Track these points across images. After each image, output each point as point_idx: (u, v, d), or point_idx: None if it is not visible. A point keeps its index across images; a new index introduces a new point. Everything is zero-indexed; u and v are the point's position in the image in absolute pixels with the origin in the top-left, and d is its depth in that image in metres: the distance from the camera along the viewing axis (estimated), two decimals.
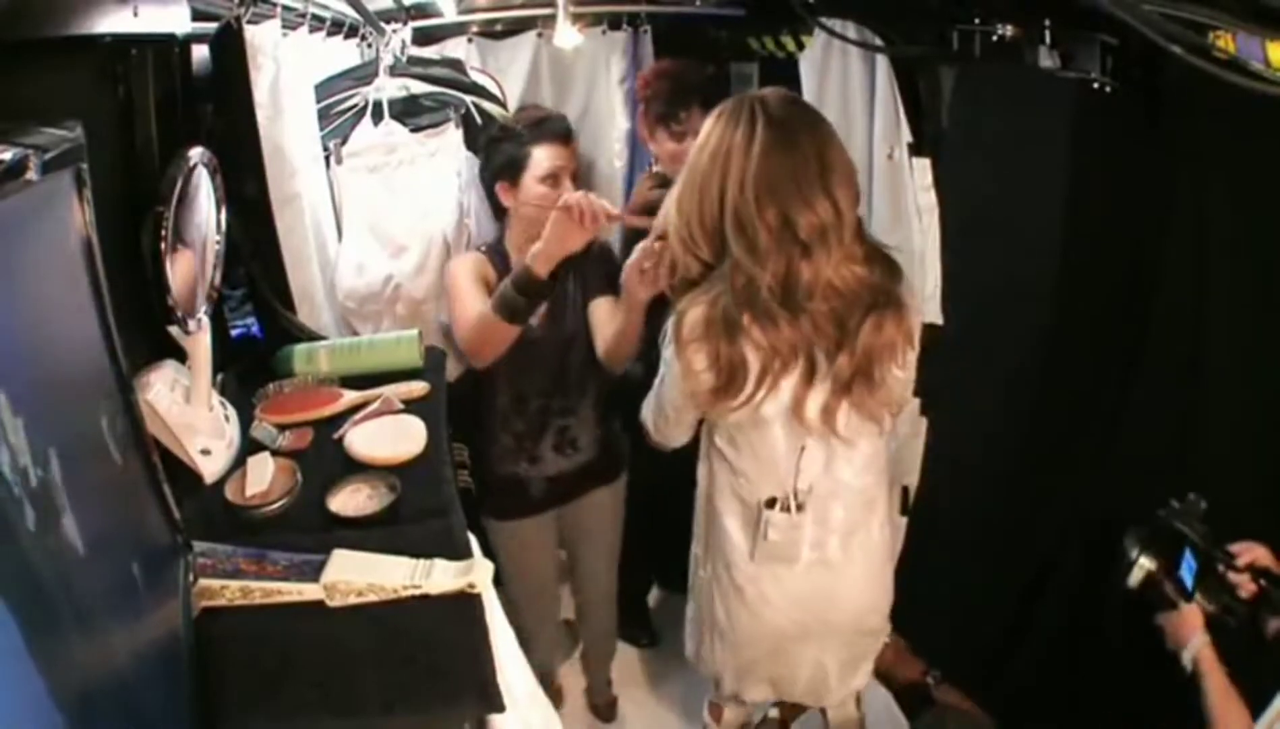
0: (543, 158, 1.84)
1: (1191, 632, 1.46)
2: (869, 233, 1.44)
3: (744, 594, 1.54)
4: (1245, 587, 1.44)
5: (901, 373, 1.45)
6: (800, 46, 2.78)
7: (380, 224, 1.99)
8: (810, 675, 1.62)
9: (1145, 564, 1.53)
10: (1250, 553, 1.45)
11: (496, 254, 1.89)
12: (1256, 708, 1.31)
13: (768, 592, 1.53)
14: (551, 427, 1.93)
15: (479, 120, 2.16)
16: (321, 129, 1.90)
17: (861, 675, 1.69)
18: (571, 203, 1.62)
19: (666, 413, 1.49)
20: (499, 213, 1.97)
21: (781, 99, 1.37)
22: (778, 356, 1.35)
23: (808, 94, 2.39)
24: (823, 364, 1.37)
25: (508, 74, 2.68)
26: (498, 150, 1.88)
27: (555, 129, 1.88)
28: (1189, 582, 1.48)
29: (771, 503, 1.47)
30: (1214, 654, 1.43)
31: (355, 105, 1.99)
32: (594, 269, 1.91)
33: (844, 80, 2.37)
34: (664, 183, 1.99)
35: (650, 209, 1.77)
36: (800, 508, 1.46)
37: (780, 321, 1.33)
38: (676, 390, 1.42)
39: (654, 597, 2.86)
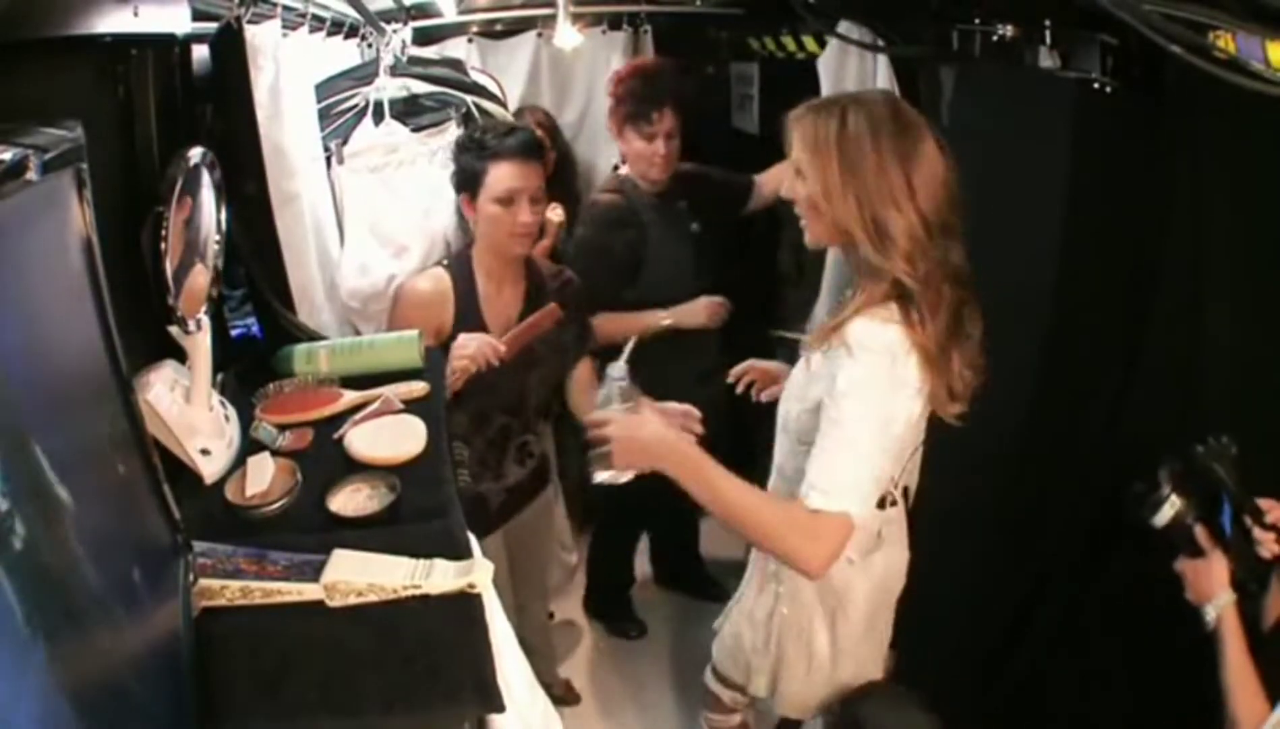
0: (499, 177, 1.78)
1: (1218, 586, 1.38)
2: None
3: (848, 606, 1.55)
4: (1270, 546, 1.36)
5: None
6: (800, 46, 2.78)
7: (381, 224, 1.99)
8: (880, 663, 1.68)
9: (1176, 503, 1.43)
10: (1277, 511, 1.37)
11: (460, 266, 1.88)
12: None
13: (856, 586, 1.55)
14: (513, 443, 1.96)
15: (479, 120, 2.16)
16: (322, 129, 1.90)
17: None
18: (458, 370, 1.66)
19: (885, 464, 1.31)
20: (464, 222, 1.97)
21: (887, 103, 1.33)
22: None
23: (825, 89, 2.39)
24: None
25: (507, 74, 2.69)
26: (460, 160, 1.84)
27: (515, 146, 1.79)
28: (1228, 528, 1.38)
29: (881, 503, 1.47)
30: (1237, 617, 1.35)
31: (356, 105, 1.99)
32: (556, 294, 1.93)
33: (860, 82, 2.36)
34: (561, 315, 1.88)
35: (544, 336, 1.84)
36: (905, 497, 1.55)
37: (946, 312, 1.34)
38: (906, 424, 1.32)
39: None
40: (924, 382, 1.29)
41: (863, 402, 1.26)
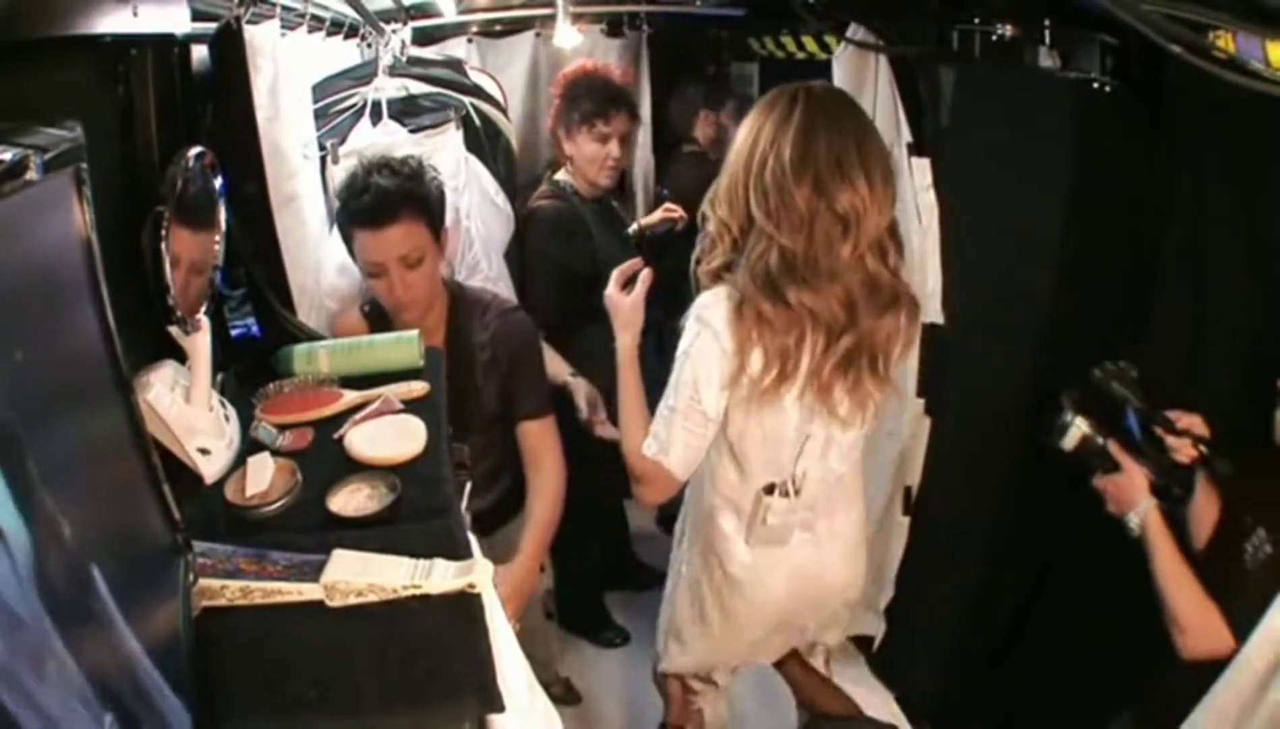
0: (359, 247, 1.63)
1: (1138, 494, 1.44)
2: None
3: (740, 586, 1.58)
4: (1185, 452, 1.43)
5: (895, 371, 1.50)
6: (800, 46, 2.79)
7: None
8: (783, 643, 1.72)
9: (1081, 425, 1.50)
10: (1188, 419, 1.44)
11: (376, 316, 1.75)
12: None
13: (764, 577, 1.57)
14: (471, 468, 1.81)
15: (477, 122, 2.16)
16: (319, 128, 1.90)
17: (832, 636, 1.79)
18: None
19: (691, 426, 1.42)
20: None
21: (826, 87, 1.44)
22: (793, 333, 1.36)
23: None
24: (823, 343, 1.39)
25: (506, 74, 2.69)
26: (339, 227, 1.69)
27: (362, 211, 1.58)
28: (1137, 433, 1.45)
29: (770, 489, 1.51)
30: (1161, 518, 1.41)
31: (354, 105, 1.99)
32: (483, 350, 1.78)
33: (874, 83, 2.35)
34: None
35: None
36: (798, 493, 1.51)
37: (799, 295, 1.33)
38: (713, 390, 1.39)
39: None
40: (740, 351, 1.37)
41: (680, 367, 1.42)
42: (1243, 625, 1.27)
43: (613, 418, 2.11)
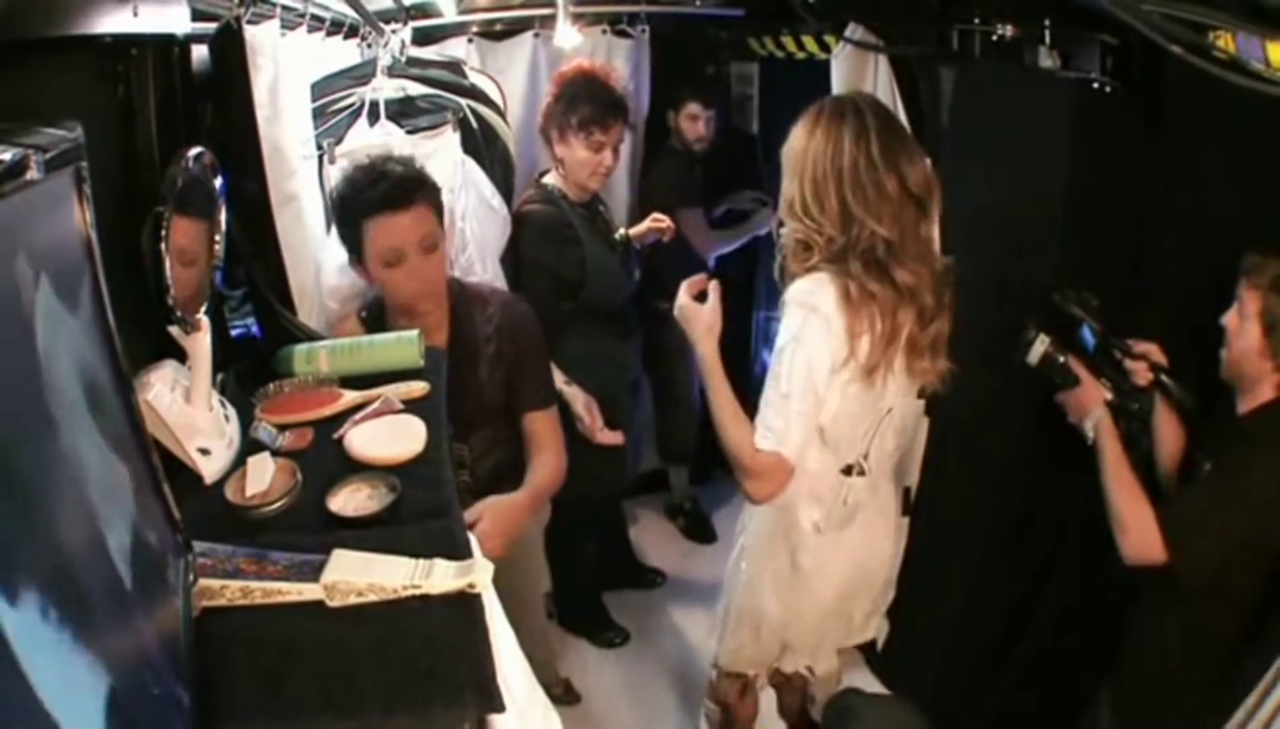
0: (375, 236, 1.60)
1: (1093, 403, 1.60)
2: None
3: (807, 576, 1.64)
4: (1141, 374, 1.59)
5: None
6: (800, 46, 2.78)
7: None
8: (835, 636, 1.78)
9: (1044, 340, 1.66)
10: (1144, 345, 1.60)
11: (374, 318, 1.75)
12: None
13: (829, 562, 1.64)
14: (474, 466, 1.84)
15: (475, 125, 2.15)
16: (317, 127, 1.89)
17: (873, 627, 1.84)
18: None
19: (806, 410, 1.46)
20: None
21: (866, 95, 1.63)
22: (897, 312, 1.46)
23: (837, 91, 2.37)
24: (917, 322, 1.49)
25: (506, 75, 2.68)
26: (337, 220, 1.68)
27: (377, 198, 1.58)
28: (1090, 345, 1.63)
29: (848, 470, 1.58)
30: (1112, 425, 1.57)
31: (351, 105, 1.99)
32: (487, 344, 1.79)
33: (874, 83, 2.35)
34: None
35: None
36: (868, 471, 1.60)
37: (903, 275, 1.45)
38: (824, 374, 1.46)
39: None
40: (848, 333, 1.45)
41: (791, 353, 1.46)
42: (1192, 524, 1.41)
43: (610, 423, 2.12)
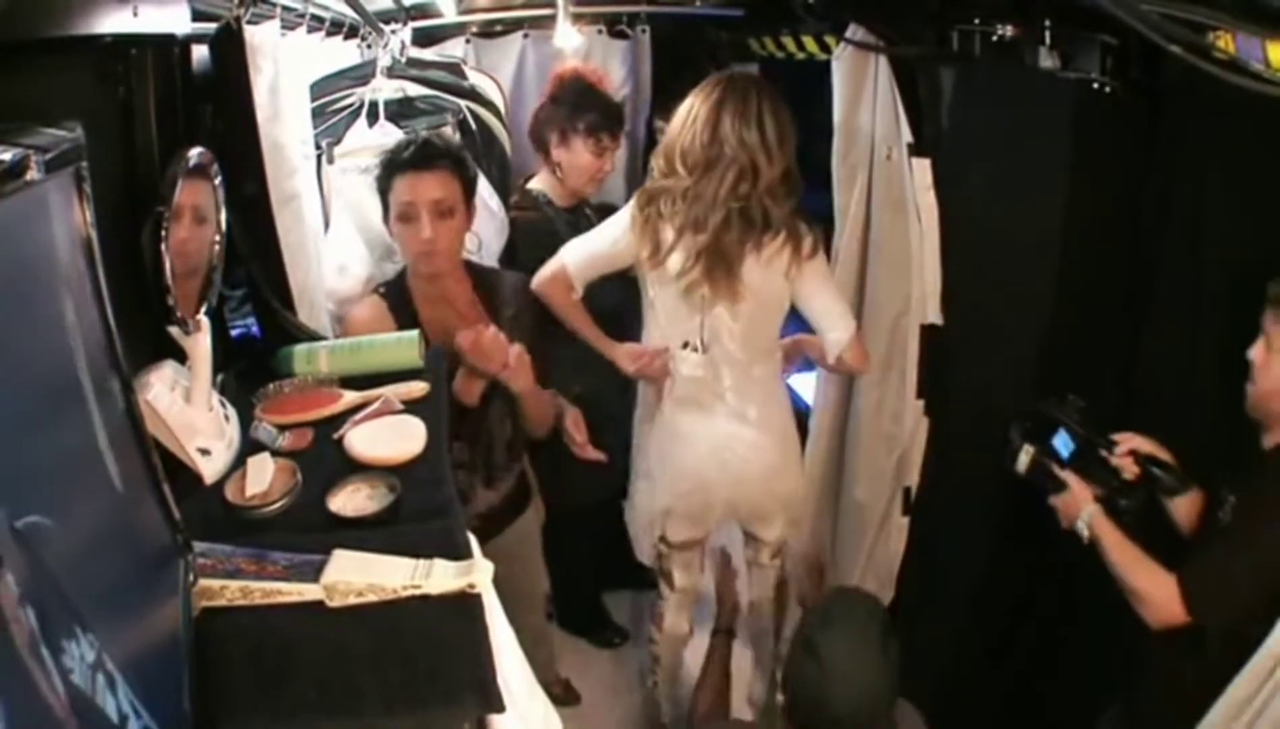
0: (397, 193, 1.72)
1: (1082, 503, 1.58)
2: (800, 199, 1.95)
3: (670, 431, 2.05)
4: (1129, 469, 1.57)
5: (784, 283, 1.95)
6: (800, 47, 2.78)
7: (370, 226, 1.98)
8: (722, 513, 2.13)
9: (1030, 450, 1.68)
10: (1130, 441, 1.59)
11: (396, 293, 1.81)
12: None
13: (686, 430, 2.03)
14: (479, 468, 1.89)
15: (473, 126, 2.15)
16: (315, 127, 1.89)
17: (772, 532, 2.15)
18: (466, 345, 1.64)
19: (581, 267, 1.99)
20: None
21: (746, 74, 2.00)
22: (683, 234, 1.90)
23: (838, 92, 2.37)
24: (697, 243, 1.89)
25: (498, 73, 2.68)
26: (380, 192, 1.77)
27: (409, 157, 1.71)
28: (1064, 453, 1.64)
29: (684, 346, 1.99)
30: (1105, 518, 1.54)
31: (350, 105, 1.99)
32: (513, 322, 1.85)
33: (874, 82, 2.34)
34: None
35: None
36: (705, 350, 1.98)
37: (693, 213, 1.88)
38: (607, 245, 1.99)
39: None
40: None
41: None
42: (1214, 579, 1.37)
43: (597, 427, 2.13)
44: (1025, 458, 1.69)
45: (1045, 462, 1.65)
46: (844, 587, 2.16)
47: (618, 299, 2.41)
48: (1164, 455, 1.57)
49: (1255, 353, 1.41)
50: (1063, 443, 1.65)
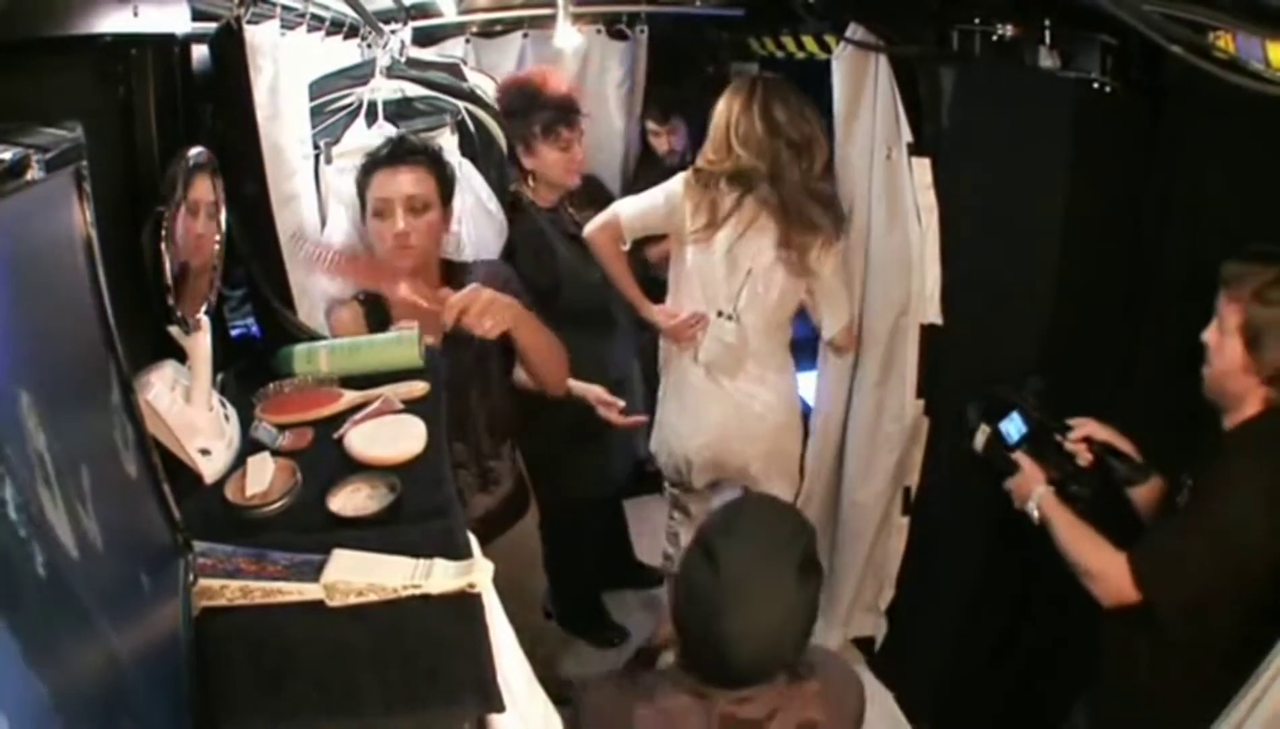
0: (373, 191, 1.72)
1: (1033, 484, 1.61)
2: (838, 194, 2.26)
3: (696, 389, 2.32)
4: (1083, 455, 1.60)
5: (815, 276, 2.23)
6: (800, 46, 2.78)
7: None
8: (739, 466, 2.35)
9: (985, 430, 1.73)
10: (1085, 427, 1.61)
11: (370, 297, 1.77)
12: None
13: (712, 389, 2.29)
14: (470, 471, 1.85)
15: (472, 127, 2.15)
16: (314, 127, 1.89)
17: (778, 480, 2.38)
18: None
19: (632, 220, 2.25)
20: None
21: (775, 78, 2.26)
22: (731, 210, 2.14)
23: (838, 91, 2.37)
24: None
25: (498, 74, 2.68)
26: (359, 190, 1.76)
27: (381, 156, 1.72)
28: (1013, 437, 1.68)
29: (719, 314, 2.23)
30: (1056, 500, 1.57)
31: (349, 105, 1.98)
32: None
33: (874, 82, 2.34)
34: None
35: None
36: (737, 319, 2.23)
37: (740, 187, 2.16)
38: (662, 203, 2.23)
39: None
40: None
41: None
42: (1164, 556, 1.40)
43: (589, 425, 2.13)
44: (982, 438, 1.74)
45: (1000, 445, 1.70)
46: (772, 496, 1.95)
47: (602, 297, 2.43)
48: (1123, 445, 1.59)
49: (1209, 335, 1.44)
50: (1014, 426, 1.69)
